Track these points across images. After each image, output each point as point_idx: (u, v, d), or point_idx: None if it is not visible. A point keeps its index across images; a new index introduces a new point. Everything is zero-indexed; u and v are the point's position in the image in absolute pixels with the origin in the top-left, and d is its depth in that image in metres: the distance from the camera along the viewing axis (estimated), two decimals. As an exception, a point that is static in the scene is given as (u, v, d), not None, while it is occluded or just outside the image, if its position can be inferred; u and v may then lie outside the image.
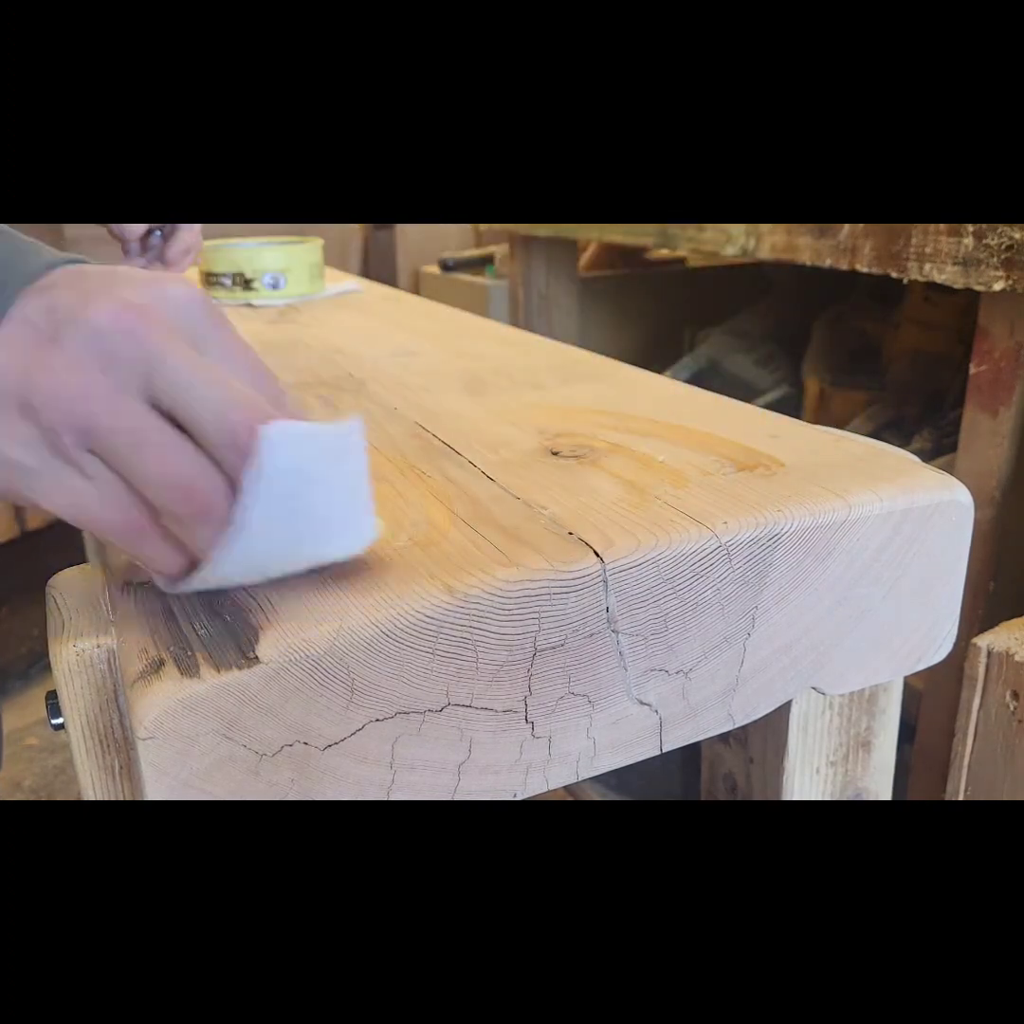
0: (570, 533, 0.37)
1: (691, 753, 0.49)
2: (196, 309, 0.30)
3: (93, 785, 0.35)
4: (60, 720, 0.34)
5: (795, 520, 0.38)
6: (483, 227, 2.30)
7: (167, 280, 0.31)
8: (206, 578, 0.32)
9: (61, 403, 0.28)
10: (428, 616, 0.32)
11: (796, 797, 0.47)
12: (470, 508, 0.40)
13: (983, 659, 0.56)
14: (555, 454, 0.46)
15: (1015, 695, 0.55)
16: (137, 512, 0.29)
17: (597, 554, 0.35)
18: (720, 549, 0.37)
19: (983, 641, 0.56)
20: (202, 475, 0.29)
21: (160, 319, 0.29)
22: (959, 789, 0.59)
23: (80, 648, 0.33)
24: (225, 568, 0.31)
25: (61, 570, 0.39)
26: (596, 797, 1.17)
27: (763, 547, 0.37)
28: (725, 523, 0.37)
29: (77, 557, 1.47)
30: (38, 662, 1.73)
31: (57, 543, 1.66)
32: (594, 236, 1.30)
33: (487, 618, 0.33)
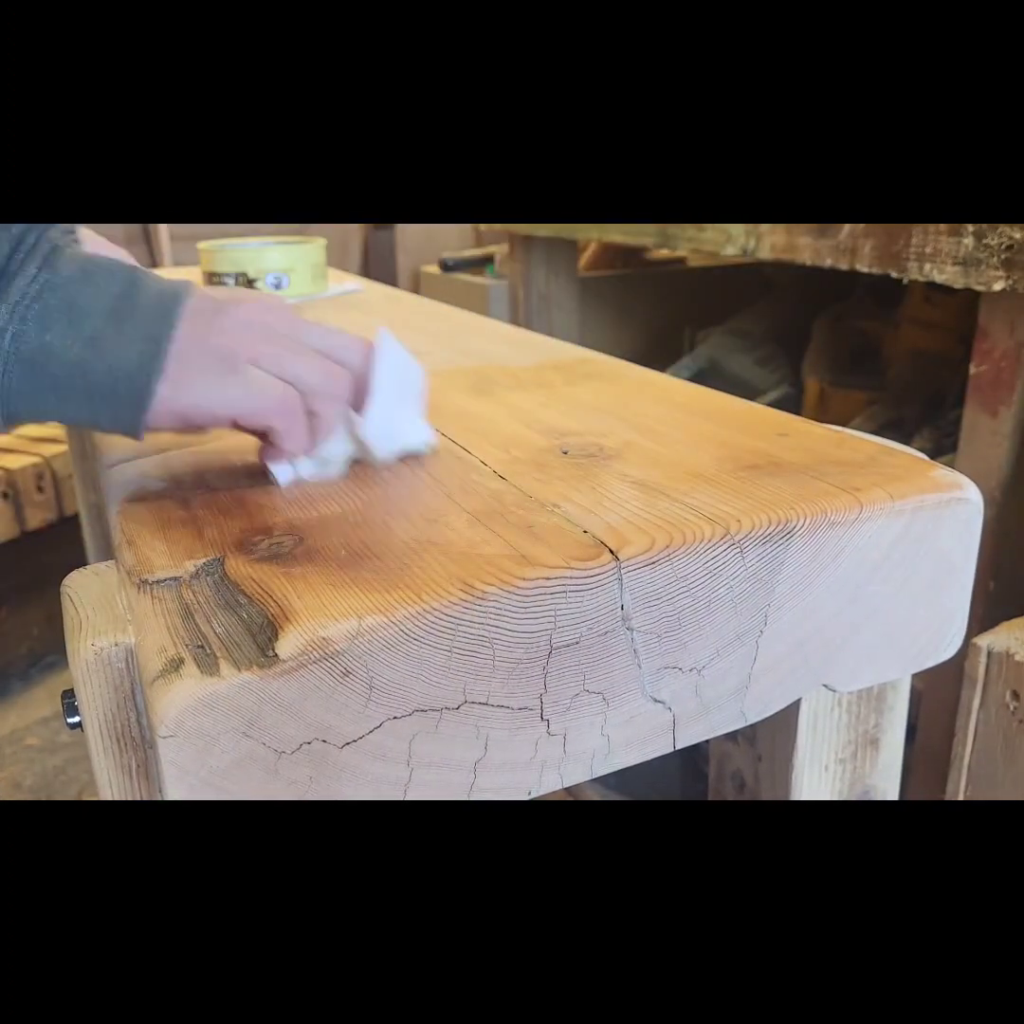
0: (584, 531, 0.37)
1: (689, 754, 0.49)
2: (289, 308, 0.45)
3: (110, 784, 0.35)
4: (77, 718, 0.34)
5: (807, 518, 0.38)
6: (483, 227, 2.30)
7: (267, 293, 0.45)
8: (330, 454, 0.45)
9: (234, 336, 0.41)
10: (447, 614, 0.32)
11: (805, 794, 0.48)
12: (484, 507, 0.40)
13: (983, 659, 0.57)
14: (565, 453, 0.47)
15: (1015, 695, 0.55)
16: (292, 396, 0.42)
17: (612, 552, 0.35)
18: (733, 547, 0.37)
19: (983, 641, 0.57)
20: (338, 369, 0.44)
21: (285, 308, 0.44)
22: (959, 789, 0.60)
23: (98, 647, 0.33)
24: (365, 431, 0.45)
25: (60, 570, 0.39)
26: (596, 797, 1.17)
27: (776, 545, 0.38)
28: (738, 521, 0.37)
29: (77, 557, 1.46)
30: (38, 662, 1.73)
31: (57, 543, 1.65)
32: (594, 236, 1.30)
33: (504, 616, 0.33)
